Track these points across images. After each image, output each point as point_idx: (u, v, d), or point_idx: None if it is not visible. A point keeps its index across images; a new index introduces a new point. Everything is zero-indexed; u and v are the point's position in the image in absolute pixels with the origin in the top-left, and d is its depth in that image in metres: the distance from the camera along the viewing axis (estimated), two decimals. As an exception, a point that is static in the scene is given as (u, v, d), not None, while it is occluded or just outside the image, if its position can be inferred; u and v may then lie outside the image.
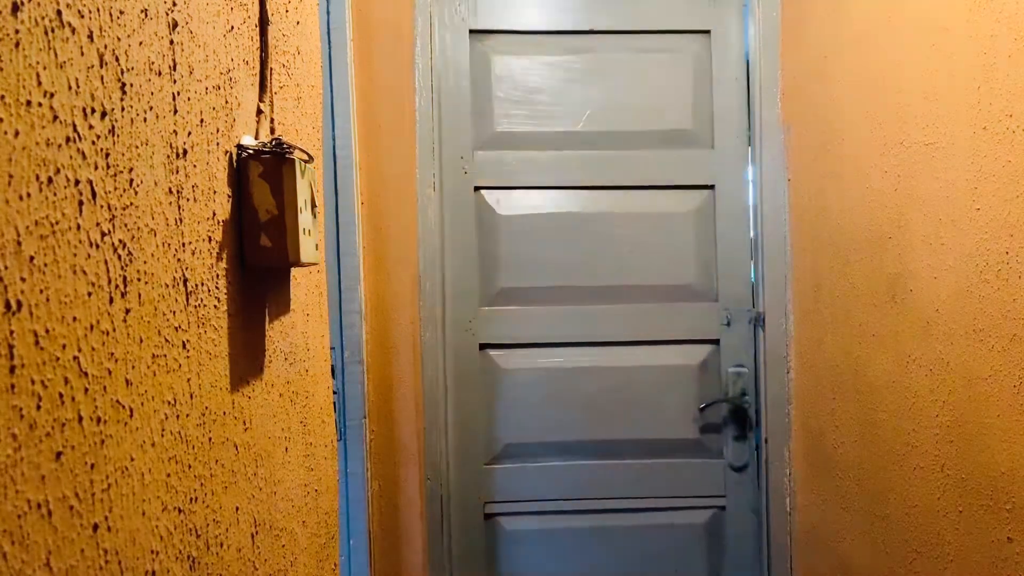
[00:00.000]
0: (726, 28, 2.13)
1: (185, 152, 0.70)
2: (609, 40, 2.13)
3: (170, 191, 0.67)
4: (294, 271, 1.02)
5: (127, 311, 0.58)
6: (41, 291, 0.47)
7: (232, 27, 0.83)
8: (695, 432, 2.16)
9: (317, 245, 0.97)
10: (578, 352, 2.14)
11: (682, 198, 2.14)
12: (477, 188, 2.11)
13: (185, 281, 0.69)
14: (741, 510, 2.16)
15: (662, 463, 2.16)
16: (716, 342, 2.15)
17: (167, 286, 0.66)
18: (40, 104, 0.48)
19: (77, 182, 0.52)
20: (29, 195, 0.46)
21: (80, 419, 0.51)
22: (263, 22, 0.92)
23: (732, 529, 2.16)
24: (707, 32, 2.13)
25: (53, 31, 0.49)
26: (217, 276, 0.77)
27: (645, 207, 2.13)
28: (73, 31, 0.51)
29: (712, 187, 2.13)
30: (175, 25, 0.68)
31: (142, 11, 0.62)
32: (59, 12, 0.50)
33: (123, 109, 0.58)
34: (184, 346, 0.69)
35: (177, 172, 0.68)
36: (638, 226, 2.13)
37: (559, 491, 2.13)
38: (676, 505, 2.16)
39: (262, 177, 0.82)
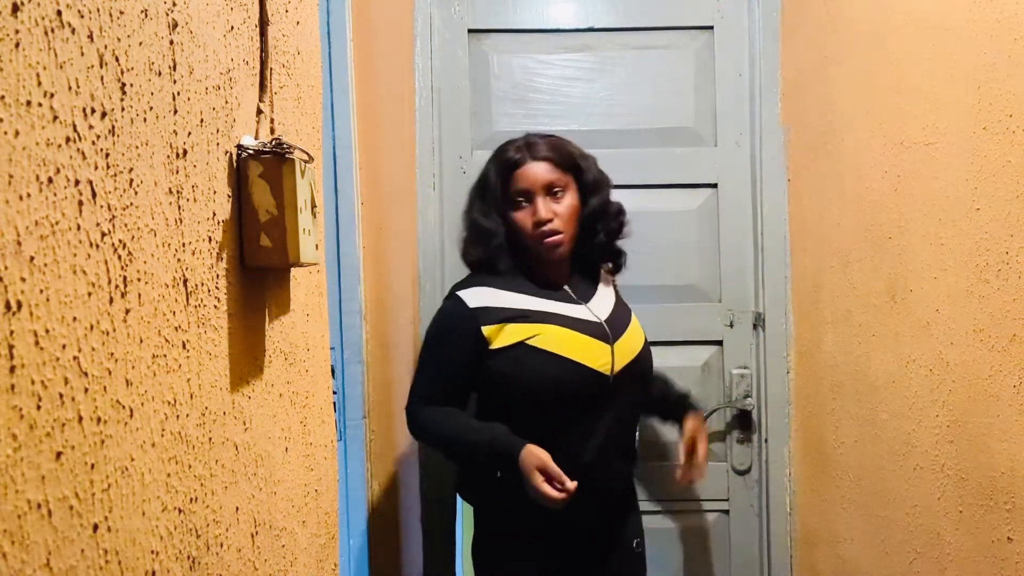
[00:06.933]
0: (730, 23, 2.11)
1: (185, 152, 0.70)
2: (609, 37, 2.11)
3: (170, 191, 0.67)
4: (294, 271, 1.02)
5: (127, 311, 0.58)
6: (41, 291, 0.47)
7: (232, 27, 0.83)
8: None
9: (317, 245, 0.97)
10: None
11: (684, 196, 2.13)
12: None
13: (185, 281, 0.69)
14: (745, 514, 2.15)
15: (666, 465, 2.15)
16: (719, 343, 2.14)
17: (167, 286, 0.66)
18: (40, 104, 0.48)
19: (77, 182, 0.52)
20: (29, 195, 0.46)
21: (80, 419, 0.51)
22: (263, 22, 0.92)
23: (736, 533, 2.15)
24: (710, 28, 2.11)
25: (53, 31, 0.49)
26: (217, 276, 0.77)
27: (646, 206, 2.10)
28: (73, 31, 0.51)
29: (715, 185, 2.11)
30: (175, 25, 0.68)
31: (142, 11, 0.62)
32: (59, 12, 0.50)
33: (123, 109, 0.58)
34: (184, 346, 0.69)
35: (177, 172, 0.68)
36: (639, 225, 2.09)
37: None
38: (679, 509, 2.15)
39: (262, 177, 0.82)
